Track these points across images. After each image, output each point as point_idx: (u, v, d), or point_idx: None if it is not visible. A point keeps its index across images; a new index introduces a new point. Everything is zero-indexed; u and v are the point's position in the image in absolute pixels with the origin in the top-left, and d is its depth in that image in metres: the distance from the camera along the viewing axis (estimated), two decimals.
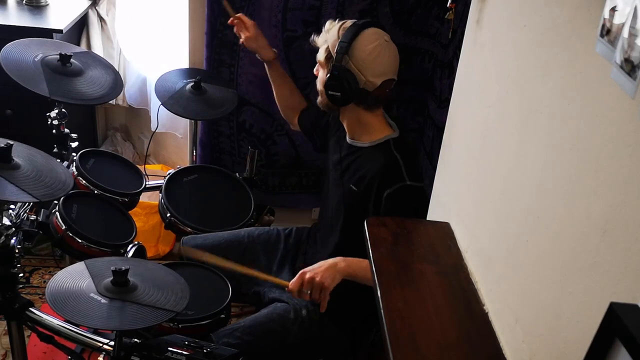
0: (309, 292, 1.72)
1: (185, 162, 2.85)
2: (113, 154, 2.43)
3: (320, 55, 1.89)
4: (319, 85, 1.92)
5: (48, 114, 2.14)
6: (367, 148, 1.89)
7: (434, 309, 1.27)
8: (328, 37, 1.87)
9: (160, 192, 2.16)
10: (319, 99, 1.95)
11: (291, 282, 1.74)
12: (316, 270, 1.73)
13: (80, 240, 1.85)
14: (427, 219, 1.71)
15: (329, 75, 1.81)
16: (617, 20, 0.79)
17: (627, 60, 0.76)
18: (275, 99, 2.28)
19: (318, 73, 1.94)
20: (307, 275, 1.72)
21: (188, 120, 2.64)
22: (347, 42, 1.78)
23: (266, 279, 1.87)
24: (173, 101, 2.26)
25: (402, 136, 1.91)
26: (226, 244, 2.10)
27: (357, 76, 1.78)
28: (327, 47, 1.85)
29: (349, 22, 1.85)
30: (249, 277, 2.05)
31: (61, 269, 1.59)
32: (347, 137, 1.94)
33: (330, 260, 1.76)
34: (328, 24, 1.90)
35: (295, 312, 1.87)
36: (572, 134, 0.97)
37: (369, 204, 1.83)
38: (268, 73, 2.24)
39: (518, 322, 1.11)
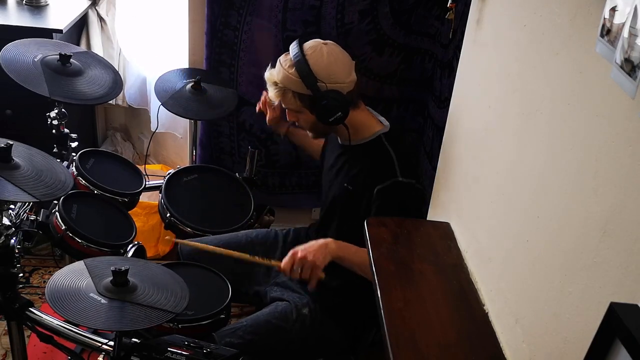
0: (299, 270, 1.75)
1: (185, 162, 2.84)
2: (113, 154, 2.43)
3: (292, 104, 1.84)
4: (307, 126, 1.91)
5: (48, 114, 2.14)
6: (359, 146, 1.89)
7: (434, 309, 1.27)
8: (285, 83, 1.82)
9: (160, 192, 2.16)
10: (312, 135, 1.96)
11: (283, 261, 1.77)
12: (307, 249, 1.76)
13: (80, 240, 1.85)
14: (427, 219, 1.71)
15: (318, 107, 1.79)
16: (617, 20, 0.79)
17: (627, 60, 0.76)
18: (308, 154, 2.32)
19: (295, 119, 1.91)
20: (299, 255, 1.75)
21: (188, 120, 2.64)
22: (307, 70, 1.76)
23: (258, 262, 1.88)
24: (173, 101, 2.26)
25: (393, 129, 1.92)
26: (224, 246, 2.10)
27: (337, 87, 1.79)
28: (292, 92, 1.82)
29: (287, 59, 1.82)
30: (249, 277, 2.06)
31: (61, 268, 1.58)
32: (339, 139, 1.95)
33: (322, 241, 1.79)
34: (268, 74, 1.87)
35: (296, 311, 1.87)
36: (572, 133, 0.97)
37: (362, 200, 1.83)
38: (291, 140, 2.27)
39: (518, 322, 1.11)
